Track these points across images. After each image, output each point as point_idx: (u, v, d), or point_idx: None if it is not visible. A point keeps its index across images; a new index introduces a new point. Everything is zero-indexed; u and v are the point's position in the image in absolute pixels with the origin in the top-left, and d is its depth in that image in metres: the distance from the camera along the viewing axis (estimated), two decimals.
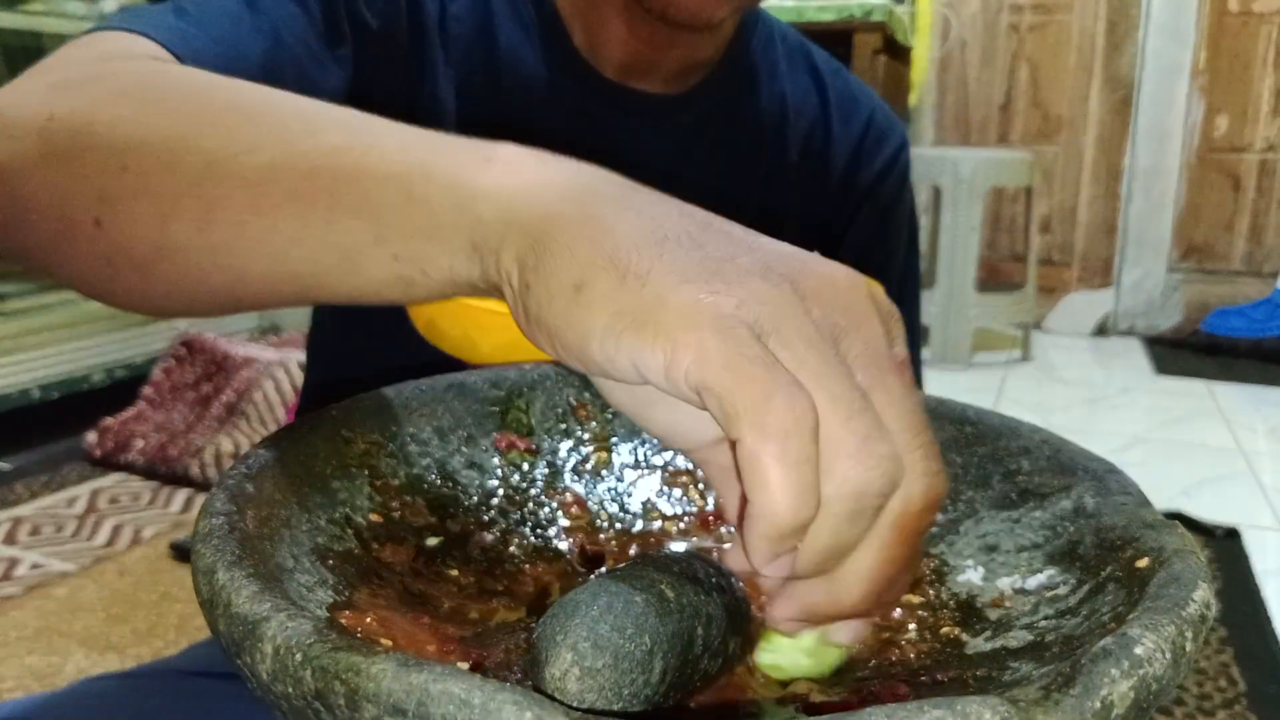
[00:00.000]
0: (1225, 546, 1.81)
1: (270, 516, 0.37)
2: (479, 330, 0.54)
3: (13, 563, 1.59)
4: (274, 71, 0.57)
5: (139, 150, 0.38)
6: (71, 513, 1.78)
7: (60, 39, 2.39)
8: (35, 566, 1.58)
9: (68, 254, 0.41)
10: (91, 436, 2.01)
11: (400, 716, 0.25)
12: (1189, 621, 0.29)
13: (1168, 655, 0.28)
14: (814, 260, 0.31)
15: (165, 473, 1.91)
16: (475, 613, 0.40)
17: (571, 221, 0.30)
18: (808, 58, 0.81)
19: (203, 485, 1.88)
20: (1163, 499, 2.01)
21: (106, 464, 1.98)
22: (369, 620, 0.35)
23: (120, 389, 2.18)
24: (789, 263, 0.30)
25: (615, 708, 0.29)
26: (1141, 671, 0.27)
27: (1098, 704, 0.26)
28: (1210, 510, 1.94)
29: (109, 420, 2.04)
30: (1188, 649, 0.29)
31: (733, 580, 0.36)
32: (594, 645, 0.29)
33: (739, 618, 0.35)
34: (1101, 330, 3.56)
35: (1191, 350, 3.34)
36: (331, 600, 0.35)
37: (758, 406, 0.26)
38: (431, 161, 0.34)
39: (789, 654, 0.34)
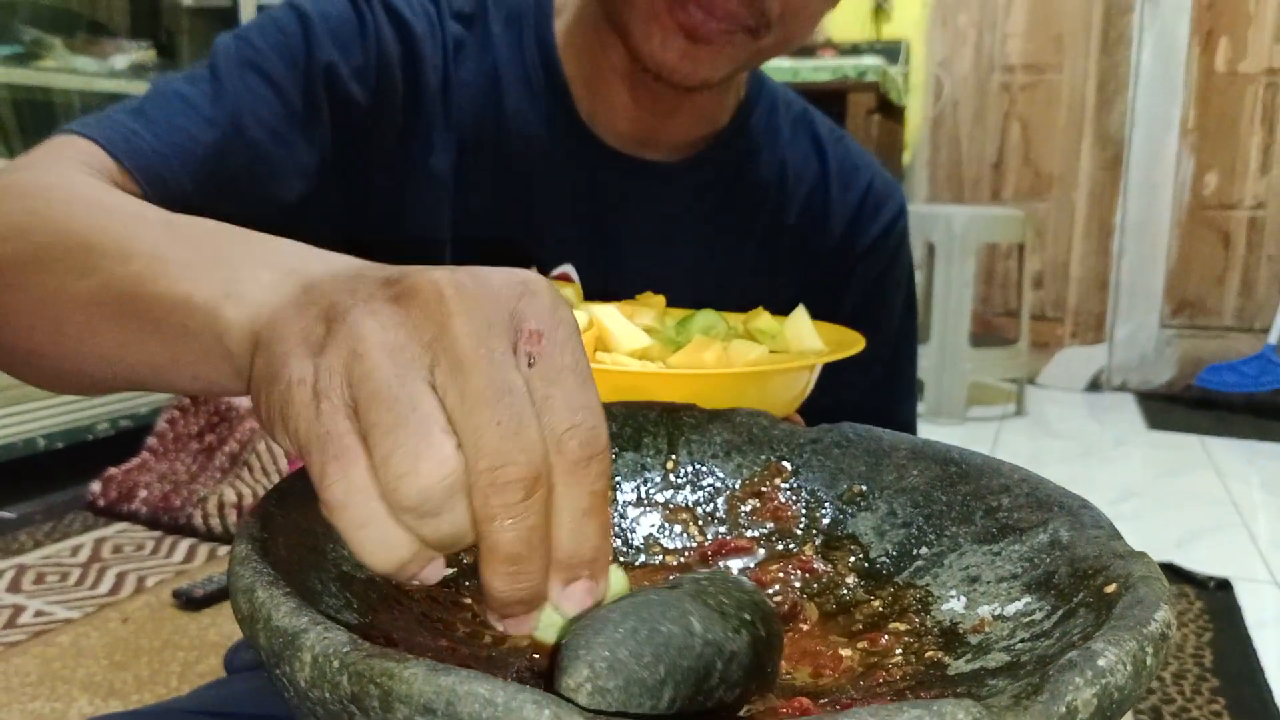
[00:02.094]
0: (1218, 598, 1.82)
1: (298, 544, 0.40)
2: None
3: (17, 610, 1.60)
4: (224, 156, 0.64)
5: (14, 272, 0.47)
6: (75, 561, 1.79)
7: (69, 94, 2.45)
8: (39, 614, 1.59)
9: None
10: (95, 486, 2.03)
11: (430, 716, 0.27)
12: (1150, 638, 0.32)
13: (1129, 667, 0.30)
14: (449, 274, 0.32)
15: (168, 522, 1.93)
16: (489, 638, 0.42)
17: (264, 346, 0.34)
18: (810, 125, 0.84)
19: (206, 535, 1.89)
20: (1156, 551, 2.01)
21: (110, 513, 2.00)
22: (382, 649, 0.37)
23: (124, 439, 2.20)
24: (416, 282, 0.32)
25: None
26: (1104, 681, 0.29)
27: (1063, 708, 0.28)
28: (1203, 562, 1.96)
29: (113, 470, 2.06)
30: (1148, 663, 0.31)
31: (771, 616, 0.37)
32: (610, 667, 0.31)
33: (765, 655, 0.36)
34: (1095, 385, 3.59)
35: (1184, 405, 3.37)
36: (356, 622, 0.38)
37: (319, 484, 0.30)
38: (198, 295, 0.38)
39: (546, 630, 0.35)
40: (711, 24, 0.64)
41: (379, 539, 0.30)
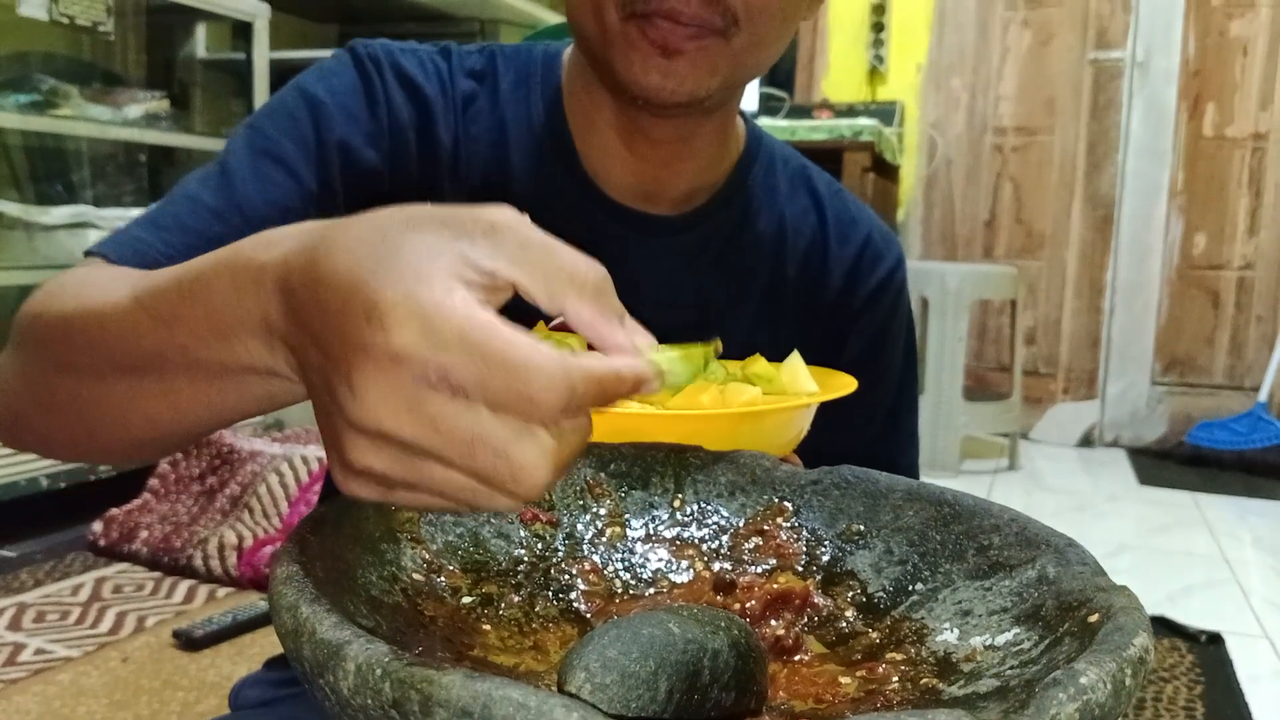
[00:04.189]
0: (1209, 652, 1.83)
1: (332, 569, 0.42)
2: None
3: (17, 648, 1.61)
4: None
5: (91, 388, 0.52)
6: (76, 600, 1.80)
7: (81, 141, 2.49)
8: (39, 652, 1.60)
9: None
10: (97, 526, 2.04)
11: (467, 718, 0.29)
12: (1129, 661, 0.34)
13: (1109, 686, 0.33)
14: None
15: (168, 563, 1.93)
16: (508, 663, 0.45)
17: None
18: (808, 180, 0.85)
19: (205, 576, 1.90)
20: (1149, 605, 2.02)
21: (111, 553, 2.00)
22: (421, 659, 0.40)
23: (126, 480, 2.21)
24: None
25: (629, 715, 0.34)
26: (1086, 698, 0.32)
27: None
28: (1195, 617, 1.97)
29: (115, 510, 2.07)
30: (1127, 683, 0.34)
31: (747, 630, 0.41)
32: (603, 665, 0.34)
33: (750, 662, 0.39)
34: (1087, 441, 3.61)
35: (1176, 462, 3.39)
36: (387, 642, 0.40)
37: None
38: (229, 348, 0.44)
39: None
40: (679, 32, 0.65)
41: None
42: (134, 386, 0.48)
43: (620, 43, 0.67)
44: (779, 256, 0.82)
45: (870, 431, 0.84)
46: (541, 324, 0.68)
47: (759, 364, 0.68)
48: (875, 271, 0.84)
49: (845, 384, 0.64)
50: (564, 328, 0.79)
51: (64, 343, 0.52)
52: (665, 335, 0.72)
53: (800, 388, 0.65)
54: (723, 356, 0.70)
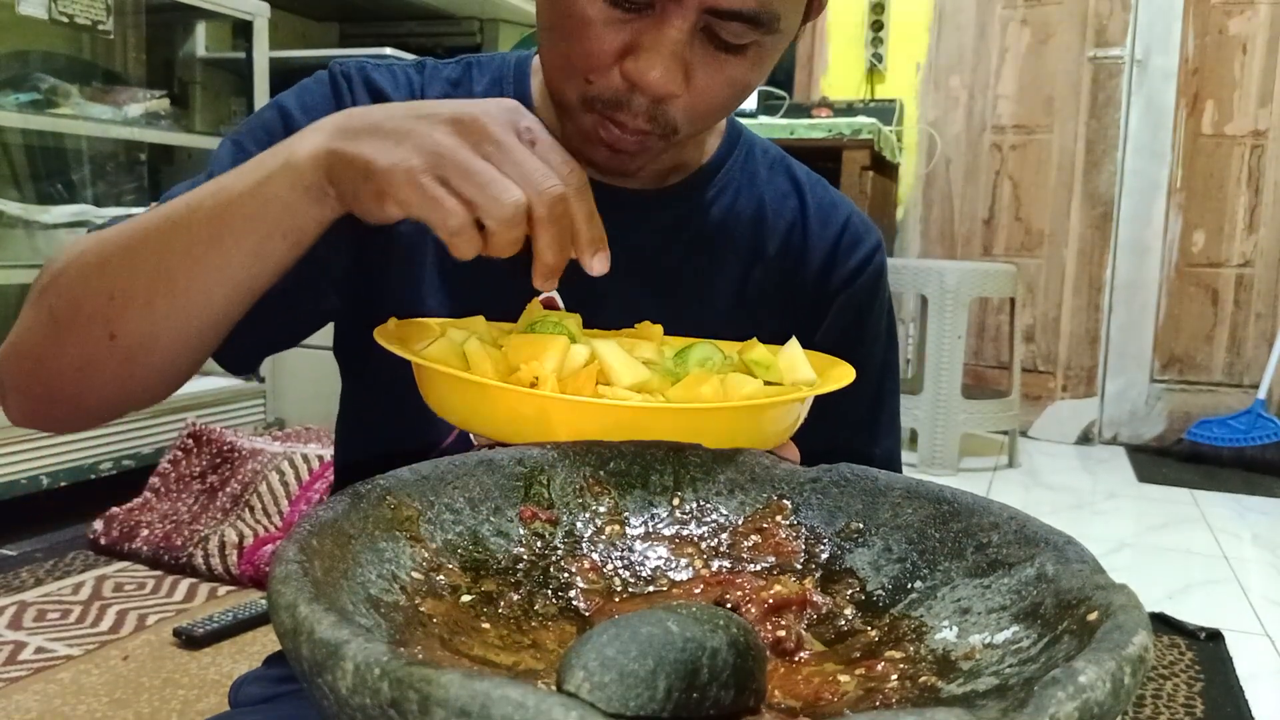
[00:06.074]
0: (1209, 649, 1.83)
1: (331, 568, 0.42)
2: (482, 403, 0.59)
3: (18, 647, 1.61)
4: None
5: (106, 292, 0.63)
6: (76, 599, 1.80)
7: (81, 140, 2.49)
8: (40, 651, 1.60)
9: (95, 370, 0.65)
10: (98, 524, 2.04)
11: (466, 718, 0.29)
12: (1128, 659, 0.34)
13: (1108, 685, 0.33)
14: (469, 105, 0.57)
15: (169, 561, 1.94)
16: (506, 661, 0.45)
17: (338, 160, 0.58)
18: (788, 168, 0.88)
19: (206, 575, 1.90)
20: (1148, 602, 2.04)
21: (112, 552, 2.00)
22: (419, 658, 0.40)
23: (127, 478, 2.22)
24: (455, 110, 0.57)
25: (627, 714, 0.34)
26: (1085, 696, 0.32)
27: (1046, 719, 0.31)
28: (1195, 614, 1.97)
29: (115, 509, 2.07)
30: (1126, 681, 0.34)
31: (747, 628, 0.41)
32: (601, 664, 0.34)
33: (749, 660, 0.39)
34: (1086, 438, 3.61)
35: (1175, 459, 3.40)
36: (386, 640, 0.40)
37: (435, 221, 0.54)
38: (263, 174, 0.61)
39: None
40: (626, 139, 0.69)
41: (474, 242, 0.54)
42: (193, 261, 0.61)
43: (575, 119, 0.70)
44: (758, 236, 0.84)
45: (854, 417, 0.85)
46: (536, 301, 0.69)
47: (757, 349, 0.68)
48: (855, 253, 0.86)
49: (844, 372, 0.64)
50: (550, 303, 0.79)
51: (120, 255, 0.63)
52: (638, 311, 0.73)
53: (799, 375, 0.65)
54: (710, 336, 0.70)
